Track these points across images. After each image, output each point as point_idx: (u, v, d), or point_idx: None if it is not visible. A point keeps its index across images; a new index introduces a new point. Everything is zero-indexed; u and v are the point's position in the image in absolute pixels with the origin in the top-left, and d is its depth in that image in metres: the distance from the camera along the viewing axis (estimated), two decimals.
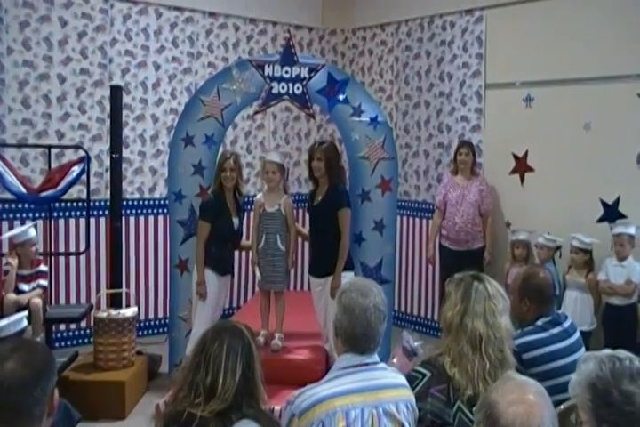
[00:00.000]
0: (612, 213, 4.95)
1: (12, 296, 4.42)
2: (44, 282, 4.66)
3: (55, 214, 5.43)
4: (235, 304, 6.52)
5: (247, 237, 4.99)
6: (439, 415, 2.27)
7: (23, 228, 4.73)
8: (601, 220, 5.00)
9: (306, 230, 4.79)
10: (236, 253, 5.15)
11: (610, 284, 4.67)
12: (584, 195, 5.08)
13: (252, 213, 4.77)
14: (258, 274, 4.54)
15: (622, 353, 1.67)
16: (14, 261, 4.49)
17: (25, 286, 4.54)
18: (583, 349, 2.91)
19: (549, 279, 3.04)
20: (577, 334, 2.94)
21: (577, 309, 4.73)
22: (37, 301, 4.47)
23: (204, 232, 4.50)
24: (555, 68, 5.28)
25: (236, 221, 4.59)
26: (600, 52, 4.99)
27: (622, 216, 4.89)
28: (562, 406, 2.25)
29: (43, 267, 4.71)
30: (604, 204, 4.99)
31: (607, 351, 1.70)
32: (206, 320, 4.26)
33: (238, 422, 1.98)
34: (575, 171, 5.16)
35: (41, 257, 4.80)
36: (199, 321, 4.40)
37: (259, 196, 4.66)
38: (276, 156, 4.63)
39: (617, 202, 4.93)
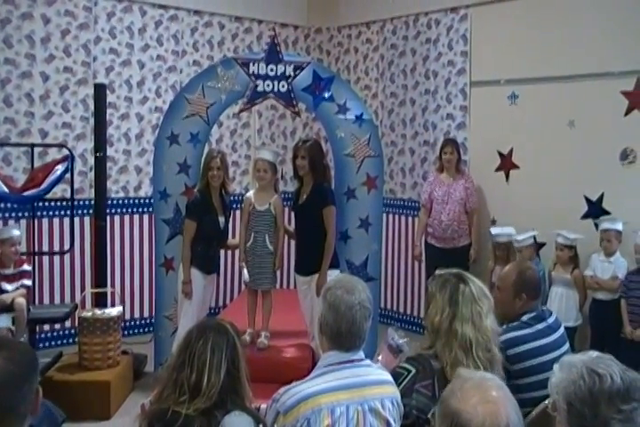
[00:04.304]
0: (595, 209, 4.98)
1: None
2: (27, 282, 4.61)
3: (39, 214, 5.37)
4: (221, 303, 6.50)
5: (233, 236, 4.97)
6: (424, 411, 2.27)
7: (4, 228, 4.67)
8: (585, 216, 5.04)
9: (292, 228, 4.78)
10: (222, 251, 5.13)
11: (596, 279, 4.71)
12: (568, 192, 5.11)
13: (237, 212, 4.75)
14: (245, 273, 4.50)
15: (602, 367, 1.59)
16: None
17: (8, 286, 4.49)
18: (567, 344, 2.93)
19: (538, 275, 3.09)
20: (561, 330, 2.95)
21: (562, 305, 4.77)
22: (21, 300, 4.42)
23: (191, 231, 4.48)
24: (539, 65, 5.30)
25: (222, 219, 4.57)
26: (584, 50, 5.02)
27: (606, 213, 4.93)
28: (546, 402, 2.25)
29: (26, 266, 4.66)
30: (588, 200, 5.02)
31: (588, 360, 1.63)
32: (192, 319, 4.22)
33: (229, 414, 1.97)
34: (559, 168, 5.19)
35: (24, 257, 4.75)
36: (185, 320, 4.39)
37: (249, 193, 4.62)
38: (268, 154, 4.54)
39: (601, 199, 4.97)
